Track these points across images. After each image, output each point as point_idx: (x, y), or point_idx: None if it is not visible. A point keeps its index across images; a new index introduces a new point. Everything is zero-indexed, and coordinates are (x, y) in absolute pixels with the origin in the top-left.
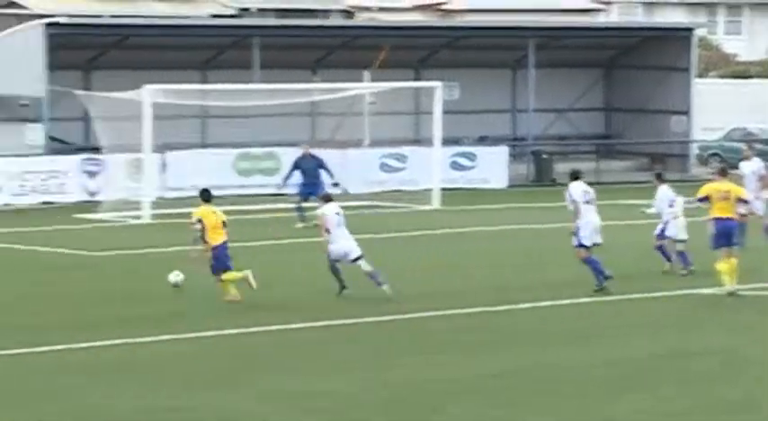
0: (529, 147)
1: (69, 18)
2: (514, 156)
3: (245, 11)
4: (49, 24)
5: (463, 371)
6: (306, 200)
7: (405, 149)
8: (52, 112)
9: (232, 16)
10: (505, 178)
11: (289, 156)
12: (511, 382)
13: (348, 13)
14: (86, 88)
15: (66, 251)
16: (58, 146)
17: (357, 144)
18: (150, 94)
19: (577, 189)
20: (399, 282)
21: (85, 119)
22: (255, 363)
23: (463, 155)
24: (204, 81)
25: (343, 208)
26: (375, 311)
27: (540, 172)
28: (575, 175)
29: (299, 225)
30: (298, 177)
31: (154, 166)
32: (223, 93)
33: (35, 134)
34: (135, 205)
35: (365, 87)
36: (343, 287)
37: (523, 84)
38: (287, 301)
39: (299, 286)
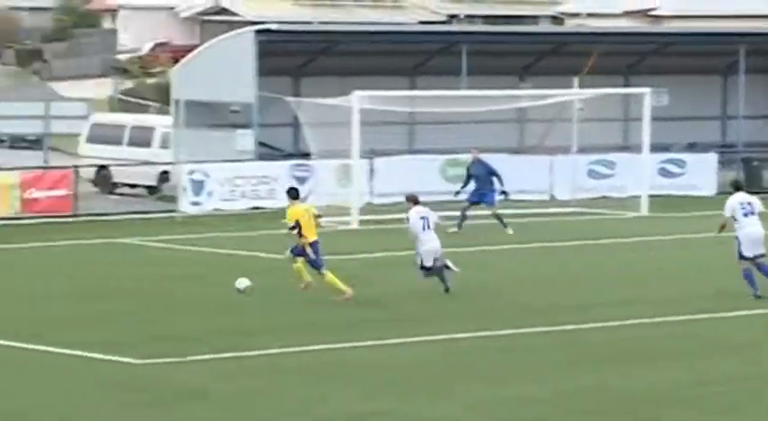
0: (739, 153)
1: (279, 25)
2: (724, 163)
3: (453, 17)
4: (259, 31)
5: (666, 379)
6: (474, 205)
7: (613, 156)
8: (262, 118)
9: (440, 22)
10: (715, 185)
11: (495, 162)
12: (716, 390)
13: (557, 20)
14: (296, 94)
15: (277, 256)
16: (268, 151)
17: (565, 150)
18: (359, 101)
19: (735, 200)
20: (604, 288)
21: (295, 125)
22: (456, 370)
23: (672, 161)
24: (412, 87)
25: (551, 215)
26: (573, 319)
27: (749, 179)
28: (736, 186)
29: (451, 230)
30: (472, 184)
31: (362, 172)
32: (431, 99)
33: (245, 140)
34: (343, 211)
35: (573, 94)
36: (447, 288)
37: (733, 90)
38: (484, 309)
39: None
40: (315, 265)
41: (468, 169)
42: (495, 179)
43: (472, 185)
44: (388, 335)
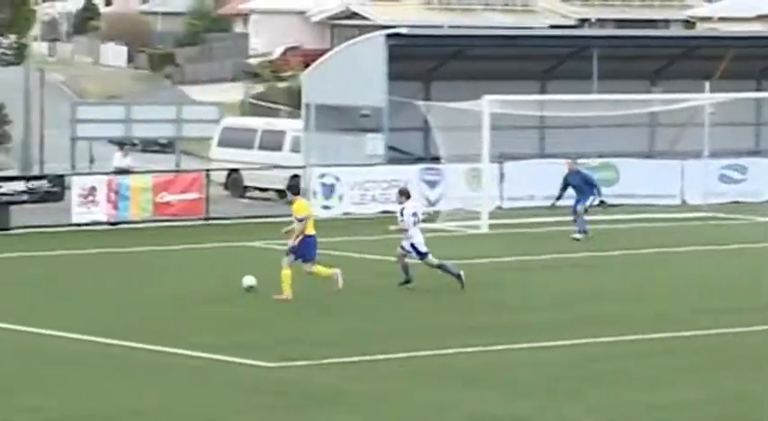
0: None
1: (410, 29)
2: None
3: (584, 21)
4: (389, 35)
5: None
6: (575, 213)
7: (745, 160)
8: (392, 122)
9: (571, 27)
10: None
11: (626, 166)
12: None
13: (688, 24)
14: (426, 98)
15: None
16: (398, 155)
17: (696, 155)
18: (489, 105)
19: None
20: (739, 293)
21: (424, 129)
22: (589, 375)
23: None
24: (543, 91)
25: (682, 219)
26: (702, 324)
27: None
28: None
29: (576, 236)
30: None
31: (492, 176)
32: (561, 103)
33: (375, 144)
34: (473, 215)
35: (705, 98)
36: (407, 281)
37: None
38: (619, 314)
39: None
40: (306, 258)
41: (564, 179)
42: (592, 188)
43: (569, 193)
44: (520, 340)
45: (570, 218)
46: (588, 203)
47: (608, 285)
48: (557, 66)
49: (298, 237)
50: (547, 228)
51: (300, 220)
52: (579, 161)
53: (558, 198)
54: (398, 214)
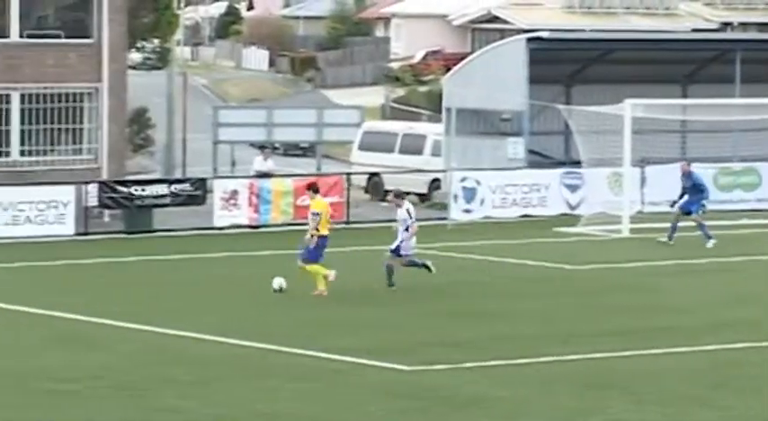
0: None
1: (551, 33)
2: None
3: (726, 25)
4: (530, 39)
5: None
6: (685, 216)
7: None
8: (532, 126)
9: (713, 30)
10: None
11: None
12: None
13: None
14: (566, 102)
15: (547, 264)
16: (539, 159)
17: None
18: (631, 109)
19: None
20: None
21: (565, 133)
22: (725, 380)
23: None
24: (684, 95)
25: None
26: None
27: None
28: None
29: (661, 239)
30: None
31: (633, 181)
32: (703, 107)
33: (516, 148)
34: (614, 219)
35: None
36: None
37: None
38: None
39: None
40: (311, 259)
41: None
42: (701, 193)
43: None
44: (659, 345)
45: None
46: (701, 210)
47: (751, 290)
48: (699, 69)
49: (312, 234)
50: (687, 232)
51: (315, 215)
52: (723, 166)
53: (680, 197)
54: (408, 217)
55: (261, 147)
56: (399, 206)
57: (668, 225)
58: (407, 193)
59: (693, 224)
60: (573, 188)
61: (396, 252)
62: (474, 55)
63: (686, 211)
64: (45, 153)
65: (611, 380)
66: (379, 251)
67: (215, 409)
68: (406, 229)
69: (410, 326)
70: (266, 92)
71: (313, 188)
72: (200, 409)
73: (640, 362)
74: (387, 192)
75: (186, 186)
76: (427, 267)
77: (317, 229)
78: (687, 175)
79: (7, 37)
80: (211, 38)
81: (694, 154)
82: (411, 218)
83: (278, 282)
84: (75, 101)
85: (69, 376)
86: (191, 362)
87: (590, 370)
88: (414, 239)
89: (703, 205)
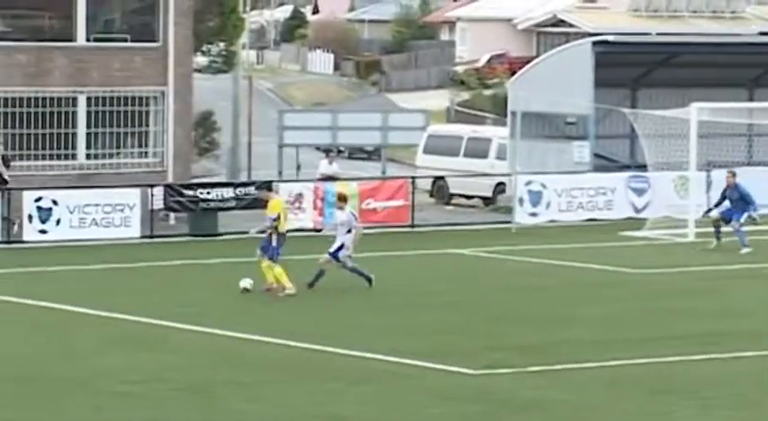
0: None
1: (616, 36)
2: None
3: None
4: (596, 43)
5: None
6: (726, 222)
7: None
8: (598, 130)
9: None
10: None
11: None
12: None
13: None
14: (632, 106)
15: (611, 268)
16: (604, 163)
17: None
18: (697, 112)
19: None
20: None
21: (631, 136)
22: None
23: None
24: (751, 99)
25: None
26: None
27: None
28: None
29: (712, 246)
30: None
31: (699, 185)
32: None
33: (582, 152)
34: (680, 223)
35: None
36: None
37: None
38: None
39: None
40: (270, 255)
41: (723, 191)
42: (747, 205)
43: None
44: (725, 349)
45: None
46: (743, 219)
47: None
48: (765, 73)
49: (269, 232)
50: (755, 236)
51: (275, 220)
52: None
53: (716, 206)
54: (352, 219)
55: (326, 150)
56: (341, 209)
57: (731, 230)
58: (471, 197)
59: (759, 228)
60: (639, 192)
61: (334, 255)
62: (539, 58)
63: (727, 219)
64: (111, 156)
65: (676, 385)
66: (444, 255)
67: (278, 411)
68: (348, 231)
69: (474, 330)
70: (331, 95)
71: (269, 187)
72: (263, 411)
73: (706, 366)
74: (451, 195)
75: (251, 189)
76: (369, 280)
77: (276, 228)
78: (733, 188)
79: (74, 41)
80: (276, 41)
81: (760, 158)
82: (356, 220)
83: (245, 282)
84: (141, 104)
85: (133, 378)
86: (255, 364)
87: (655, 374)
88: (348, 241)
89: (753, 218)
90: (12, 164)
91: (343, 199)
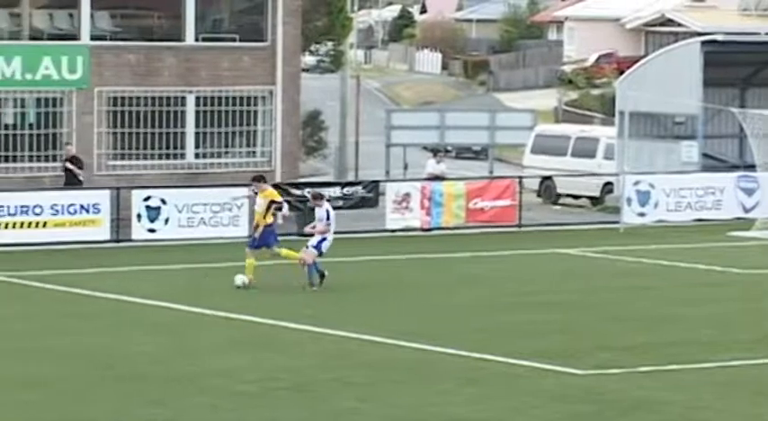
0: None
1: (726, 36)
2: None
3: None
4: (705, 42)
5: None
6: None
7: None
8: (706, 130)
9: None
10: None
11: None
12: None
13: None
14: (741, 105)
15: (719, 268)
16: (713, 163)
17: None
18: None
19: None
20: None
21: (740, 136)
22: None
23: None
24: None
25: None
26: None
27: None
28: None
29: None
30: None
31: None
32: None
33: (691, 151)
34: None
35: None
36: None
37: None
38: None
39: None
40: (254, 245)
41: None
42: None
43: None
44: None
45: None
46: None
47: None
48: None
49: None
50: None
51: (277, 205)
52: None
53: None
54: (324, 217)
55: (433, 150)
56: (320, 206)
57: None
58: (579, 197)
59: None
60: (749, 192)
61: (318, 248)
62: (647, 58)
63: None
64: (219, 155)
65: None
66: (551, 255)
67: (390, 411)
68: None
69: (583, 331)
70: (439, 95)
71: (262, 179)
72: (376, 411)
73: None
74: (558, 195)
75: (359, 189)
76: (322, 276)
77: (264, 218)
78: None
79: (183, 41)
80: (384, 41)
81: None
82: (328, 219)
83: (240, 278)
84: (249, 104)
85: (248, 377)
86: (368, 364)
87: (766, 375)
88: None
89: None
90: (112, 163)
91: (318, 197)
